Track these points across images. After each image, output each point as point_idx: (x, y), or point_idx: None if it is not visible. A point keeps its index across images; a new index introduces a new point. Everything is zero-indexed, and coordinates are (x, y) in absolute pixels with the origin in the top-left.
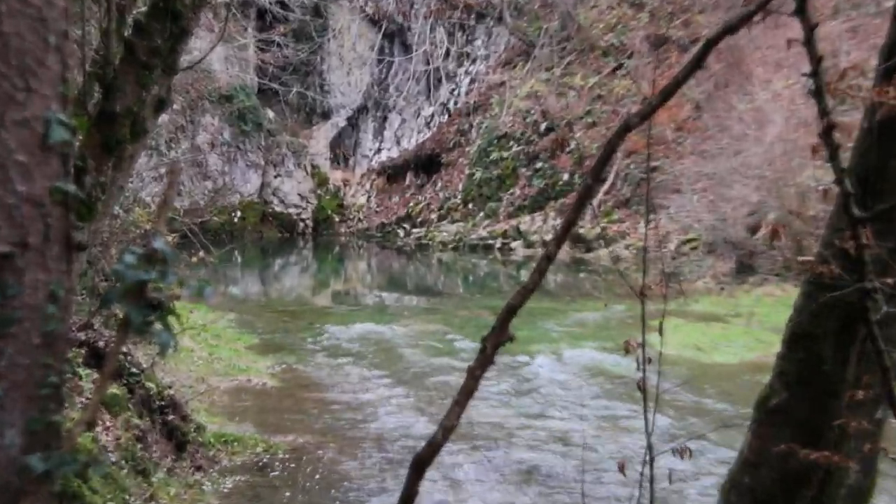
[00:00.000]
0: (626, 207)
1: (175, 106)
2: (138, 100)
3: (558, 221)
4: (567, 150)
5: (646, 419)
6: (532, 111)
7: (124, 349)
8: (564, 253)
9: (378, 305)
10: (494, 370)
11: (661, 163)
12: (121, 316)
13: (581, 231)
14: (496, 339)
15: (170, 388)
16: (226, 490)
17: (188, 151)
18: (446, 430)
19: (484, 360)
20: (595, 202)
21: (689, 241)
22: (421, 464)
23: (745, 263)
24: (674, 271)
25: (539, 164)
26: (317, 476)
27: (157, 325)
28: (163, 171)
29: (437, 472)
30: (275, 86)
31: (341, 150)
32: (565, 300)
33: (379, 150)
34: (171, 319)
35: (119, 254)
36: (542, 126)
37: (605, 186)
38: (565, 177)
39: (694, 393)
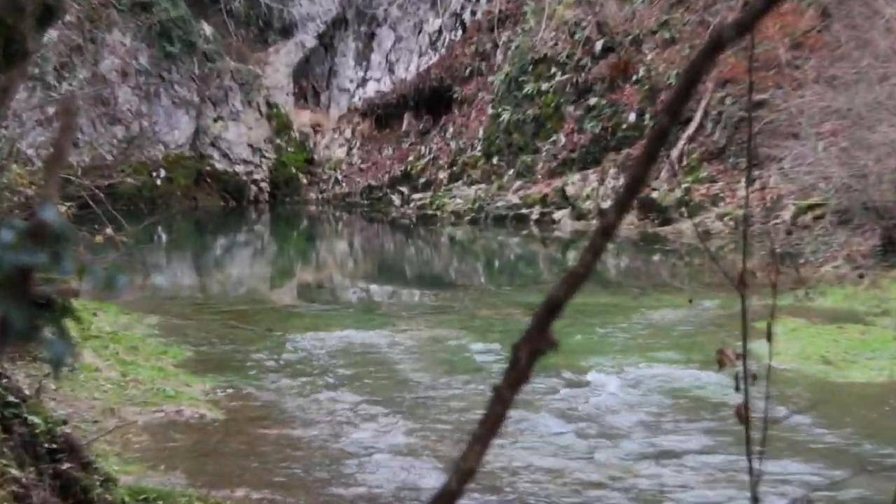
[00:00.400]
0: (719, 160)
1: (68, 17)
2: (12, 6)
3: (621, 181)
4: (633, 78)
5: (749, 462)
6: (583, 23)
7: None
8: (630, 226)
9: (364, 303)
10: (531, 393)
11: (771, 95)
12: None
13: (654, 195)
14: (533, 347)
15: (65, 423)
16: None
17: (88, 83)
18: (463, 476)
19: (516, 378)
20: (674, 153)
21: (811, 207)
22: None
23: (894, 239)
24: (789, 251)
25: (593, 100)
26: None
27: (48, 331)
28: (52, 111)
29: None
30: None
31: (310, 83)
32: (632, 293)
33: (364, 82)
34: (68, 323)
35: None
36: (598, 45)
37: (690, 130)
38: (631, 117)
39: (820, 424)
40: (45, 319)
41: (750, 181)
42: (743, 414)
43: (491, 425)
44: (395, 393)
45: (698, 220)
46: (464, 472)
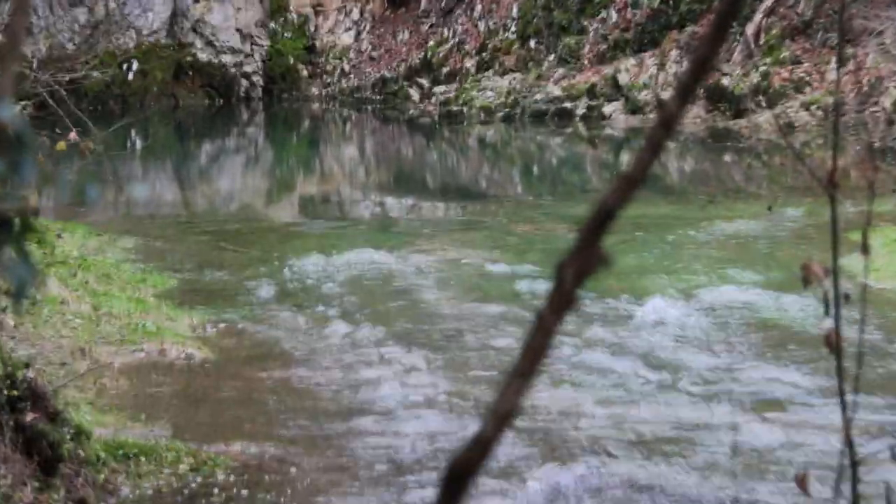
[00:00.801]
0: (803, 37)
1: None
2: None
3: (684, 65)
4: None
5: (842, 400)
6: None
7: None
8: (696, 120)
9: (379, 219)
10: (580, 321)
11: None
12: None
13: (725, 81)
14: (581, 266)
15: (27, 366)
16: None
17: None
18: (501, 419)
19: (561, 302)
20: (749, 29)
21: None
22: (460, 474)
23: None
24: (890, 146)
25: None
26: None
27: (8, 252)
28: None
29: (489, 498)
30: None
31: None
32: (699, 201)
33: None
34: (30, 244)
35: None
36: None
37: (768, 2)
38: None
39: None
40: (4, 240)
41: (842, 61)
42: (834, 342)
43: (532, 359)
44: (418, 326)
45: (779, 111)
46: (500, 416)
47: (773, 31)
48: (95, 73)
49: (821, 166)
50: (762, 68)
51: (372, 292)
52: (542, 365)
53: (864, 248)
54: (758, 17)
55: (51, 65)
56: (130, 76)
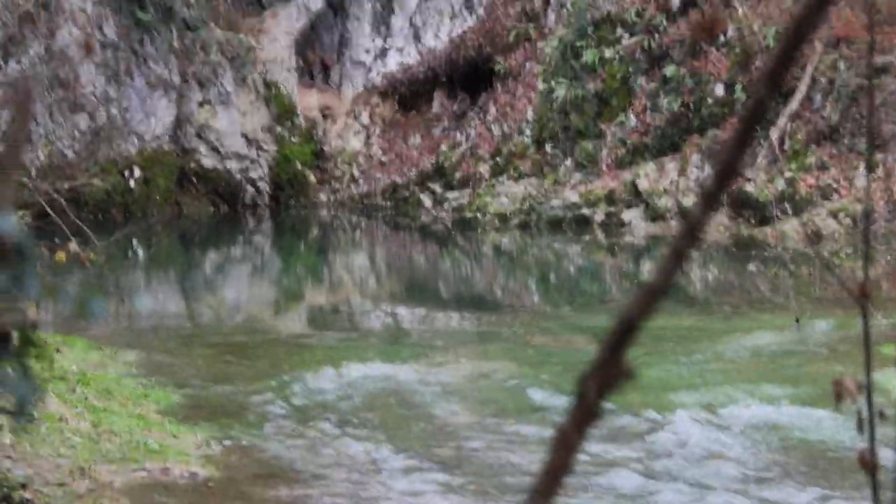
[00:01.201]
0: (830, 142)
1: None
2: None
3: (707, 171)
4: (721, 41)
5: None
6: None
7: None
8: (720, 228)
9: (391, 331)
10: (602, 437)
11: None
12: None
13: (749, 188)
14: (603, 380)
15: (24, 487)
16: None
17: (42, 61)
18: None
19: (584, 417)
20: (774, 134)
21: None
22: None
23: None
24: None
25: (670, 70)
26: None
27: (8, 369)
28: None
29: None
30: None
31: (317, 55)
32: (723, 312)
33: (384, 54)
34: (30, 358)
35: None
36: None
37: (793, 105)
38: (718, 90)
39: None
40: (3, 355)
41: (871, 167)
42: (868, 462)
43: (553, 476)
44: (432, 442)
45: (806, 219)
46: None
47: (799, 136)
48: (96, 181)
49: (851, 277)
50: (788, 174)
51: (384, 407)
52: (564, 484)
53: None
54: (782, 121)
55: (50, 173)
56: (132, 184)
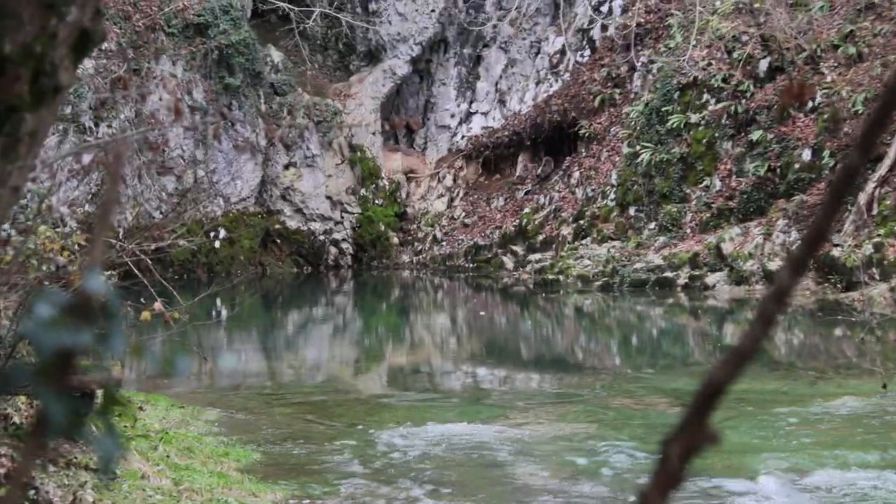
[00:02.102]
0: None
1: (107, 44)
2: (41, 31)
3: (794, 236)
4: (809, 106)
5: None
6: (743, 37)
7: (31, 473)
8: (806, 293)
9: (471, 391)
10: (685, 502)
11: None
12: (28, 412)
13: (836, 253)
14: (688, 443)
15: None
16: None
17: (132, 125)
18: None
19: (667, 480)
20: (862, 199)
21: None
22: None
23: None
24: None
25: (756, 135)
26: None
27: (92, 427)
28: (88, 159)
29: None
30: (284, 4)
31: (402, 119)
32: (808, 377)
33: (468, 117)
34: (115, 415)
35: (19, 304)
36: (763, 64)
37: (882, 170)
38: (805, 155)
39: None
40: (88, 412)
41: None
42: None
43: None
44: (509, 502)
45: (894, 284)
46: None
47: (887, 202)
48: (182, 242)
49: None
50: (875, 239)
51: (462, 467)
52: None
53: None
54: (870, 186)
55: (137, 233)
56: (217, 244)
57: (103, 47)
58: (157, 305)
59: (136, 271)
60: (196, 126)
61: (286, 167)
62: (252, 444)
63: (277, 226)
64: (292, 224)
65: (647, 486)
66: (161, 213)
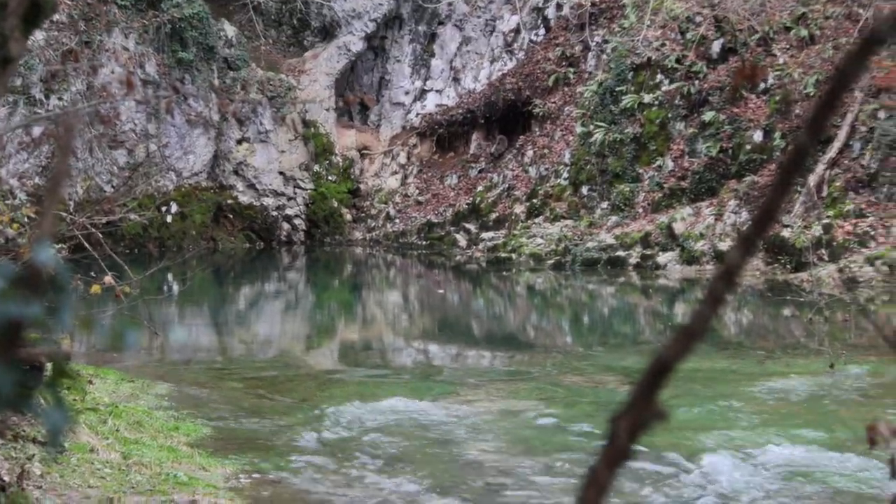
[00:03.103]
0: (868, 190)
1: (58, 15)
2: None
3: (744, 216)
4: (760, 87)
5: None
6: (697, 19)
7: None
8: (755, 273)
9: (422, 367)
10: (631, 479)
11: None
12: None
13: (786, 234)
14: (635, 420)
15: None
16: None
17: (83, 98)
18: None
19: (614, 456)
20: (812, 181)
21: None
22: None
23: None
24: None
25: (708, 115)
26: None
27: (41, 399)
28: (38, 131)
29: None
30: None
31: (357, 96)
32: (757, 357)
33: (422, 95)
34: (64, 388)
35: None
36: (716, 46)
37: (832, 152)
38: (756, 136)
39: None
40: (37, 385)
41: None
42: None
43: None
44: (460, 479)
45: (842, 265)
46: None
47: (837, 183)
48: (133, 216)
49: (886, 324)
50: (824, 221)
51: (413, 443)
52: None
53: None
54: (820, 168)
55: (88, 207)
56: (169, 219)
57: (54, 19)
58: (108, 279)
59: (87, 245)
60: (148, 100)
61: (239, 142)
62: (202, 418)
63: (230, 201)
64: (245, 199)
65: (596, 462)
66: (112, 186)
